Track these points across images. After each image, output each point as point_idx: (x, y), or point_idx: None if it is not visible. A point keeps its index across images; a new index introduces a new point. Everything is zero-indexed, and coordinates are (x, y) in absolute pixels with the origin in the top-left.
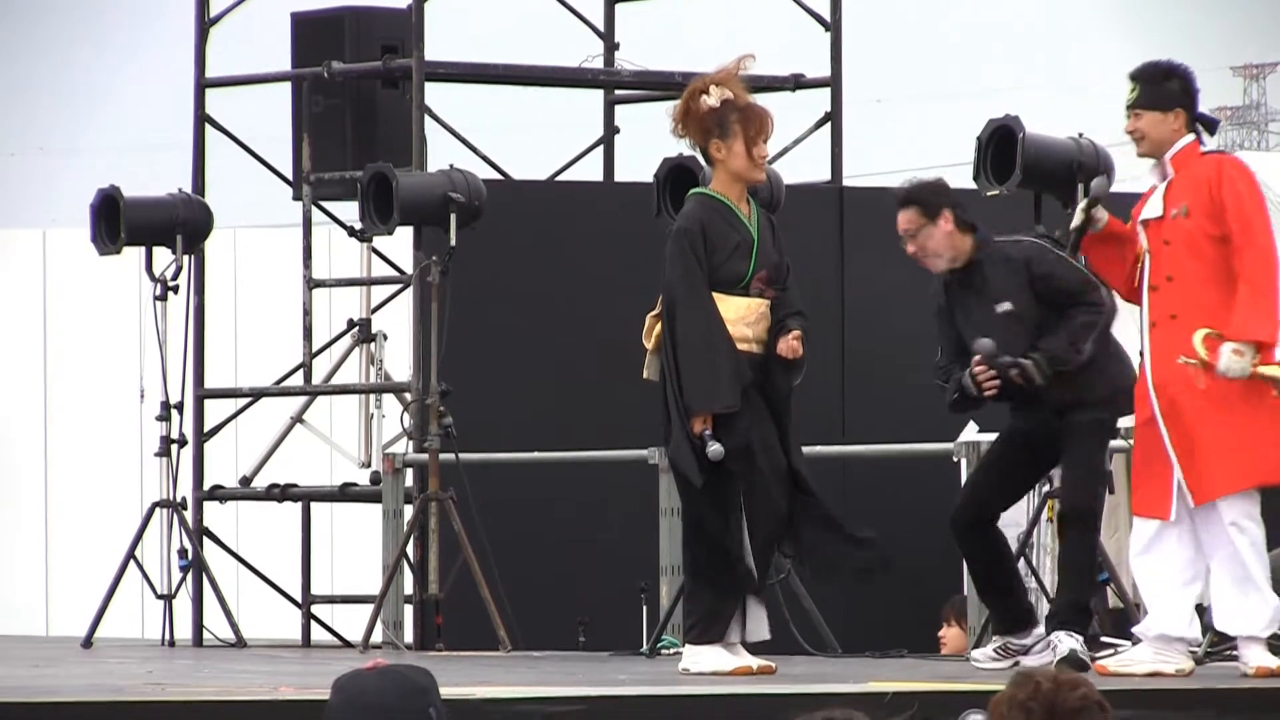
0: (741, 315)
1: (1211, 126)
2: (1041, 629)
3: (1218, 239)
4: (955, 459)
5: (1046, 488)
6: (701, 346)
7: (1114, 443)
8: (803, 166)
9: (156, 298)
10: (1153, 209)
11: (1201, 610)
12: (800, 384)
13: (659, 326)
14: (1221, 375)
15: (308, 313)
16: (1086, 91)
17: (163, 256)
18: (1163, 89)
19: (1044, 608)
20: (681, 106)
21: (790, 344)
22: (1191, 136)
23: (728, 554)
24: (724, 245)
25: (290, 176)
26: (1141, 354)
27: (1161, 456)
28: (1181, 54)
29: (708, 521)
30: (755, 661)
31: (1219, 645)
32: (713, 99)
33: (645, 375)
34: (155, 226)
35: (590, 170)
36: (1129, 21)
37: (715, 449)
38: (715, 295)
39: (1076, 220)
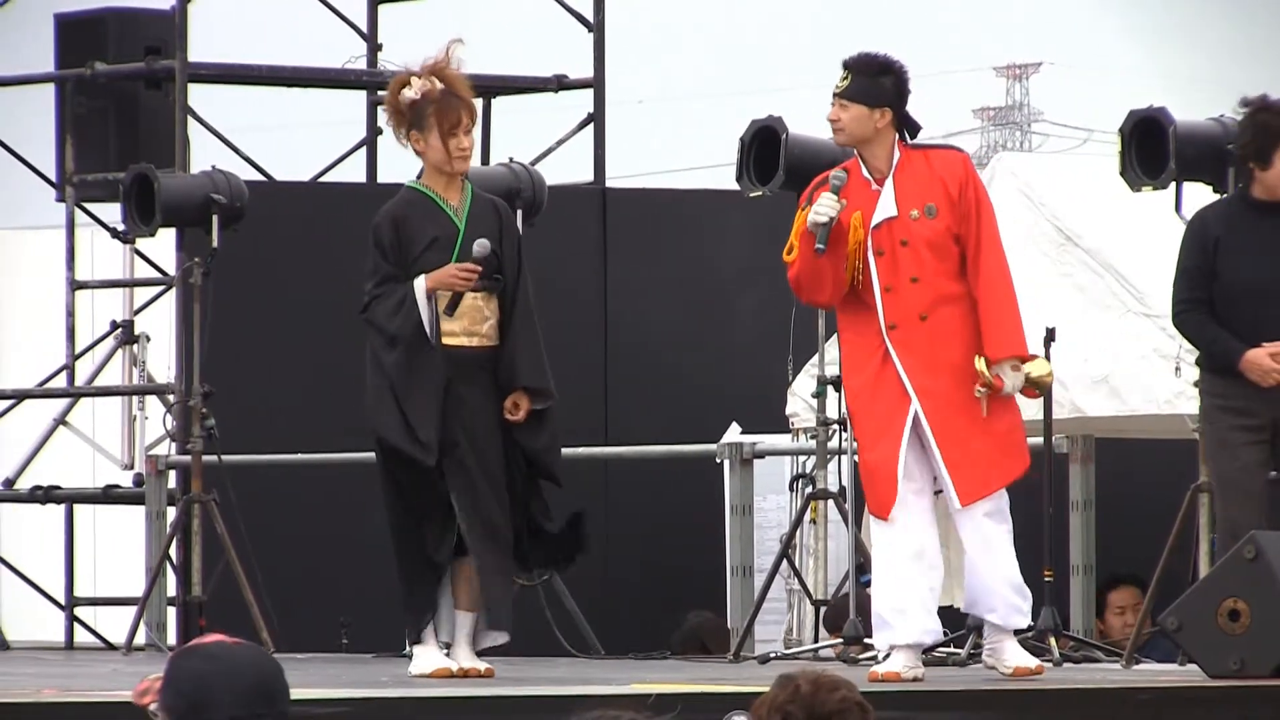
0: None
1: (914, 130)
2: None
3: (957, 236)
4: (718, 460)
5: (810, 489)
6: (394, 337)
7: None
8: (566, 167)
9: None
10: (885, 209)
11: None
12: (564, 383)
13: None
14: (1007, 395)
15: (71, 314)
16: None
17: None
18: (875, 84)
19: (807, 609)
20: (387, 100)
21: (513, 414)
22: (895, 136)
23: (420, 552)
24: (420, 238)
25: (54, 178)
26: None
27: (889, 458)
28: (945, 53)
29: (395, 515)
30: (460, 665)
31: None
32: (413, 91)
33: None
34: None
35: (353, 171)
36: (894, 22)
37: (481, 244)
38: None
39: (832, 211)
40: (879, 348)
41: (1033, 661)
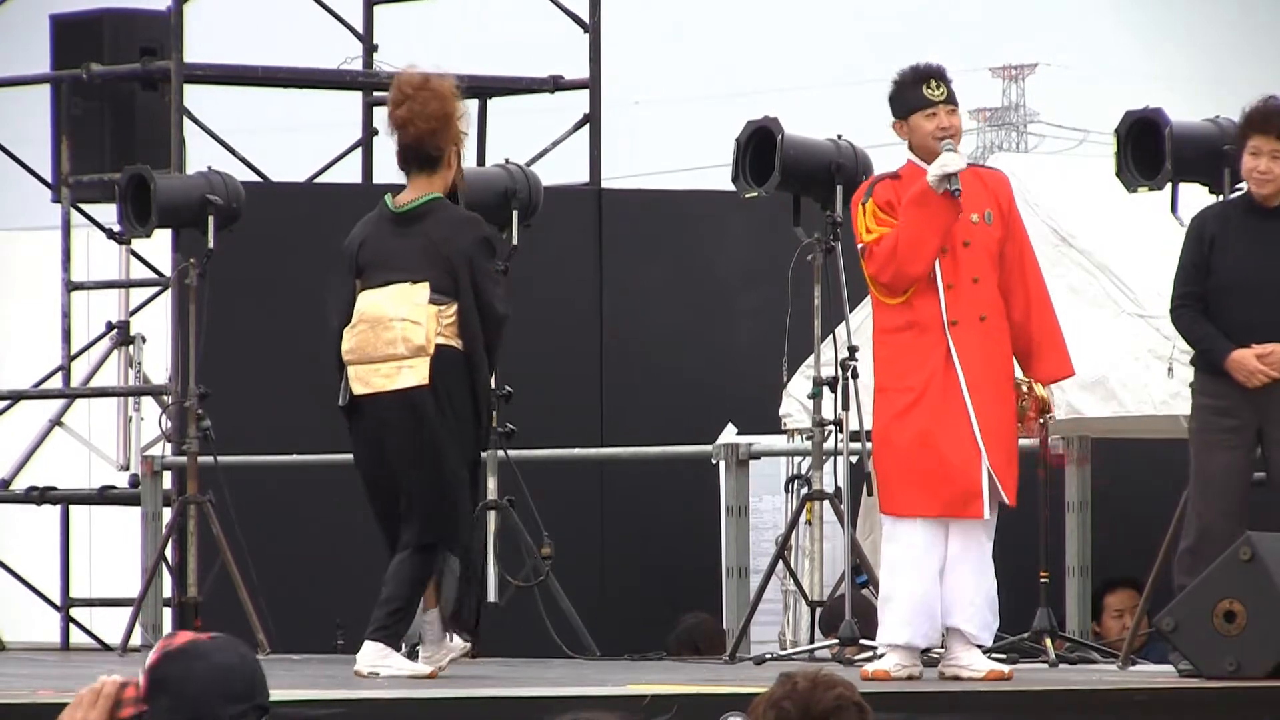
0: None
1: None
2: None
3: (1003, 249)
4: (714, 461)
5: (805, 490)
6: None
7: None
8: (561, 168)
9: None
10: None
11: None
12: (560, 385)
13: (433, 332)
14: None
15: (66, 315)
16: (846, 91)
17: None
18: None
19: (802, 610)
20: (449, 107)
21: None
22: None
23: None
24: None
25: (49, 179)
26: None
27: (968, 455)
28: (941, 55)
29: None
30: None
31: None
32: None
33: (412, 383)
34: None
35: (349, 172)
36: (890, 24)
37: None
38: None
39: (961, 162)
40: (939, 343)
41: (1004, 666)
